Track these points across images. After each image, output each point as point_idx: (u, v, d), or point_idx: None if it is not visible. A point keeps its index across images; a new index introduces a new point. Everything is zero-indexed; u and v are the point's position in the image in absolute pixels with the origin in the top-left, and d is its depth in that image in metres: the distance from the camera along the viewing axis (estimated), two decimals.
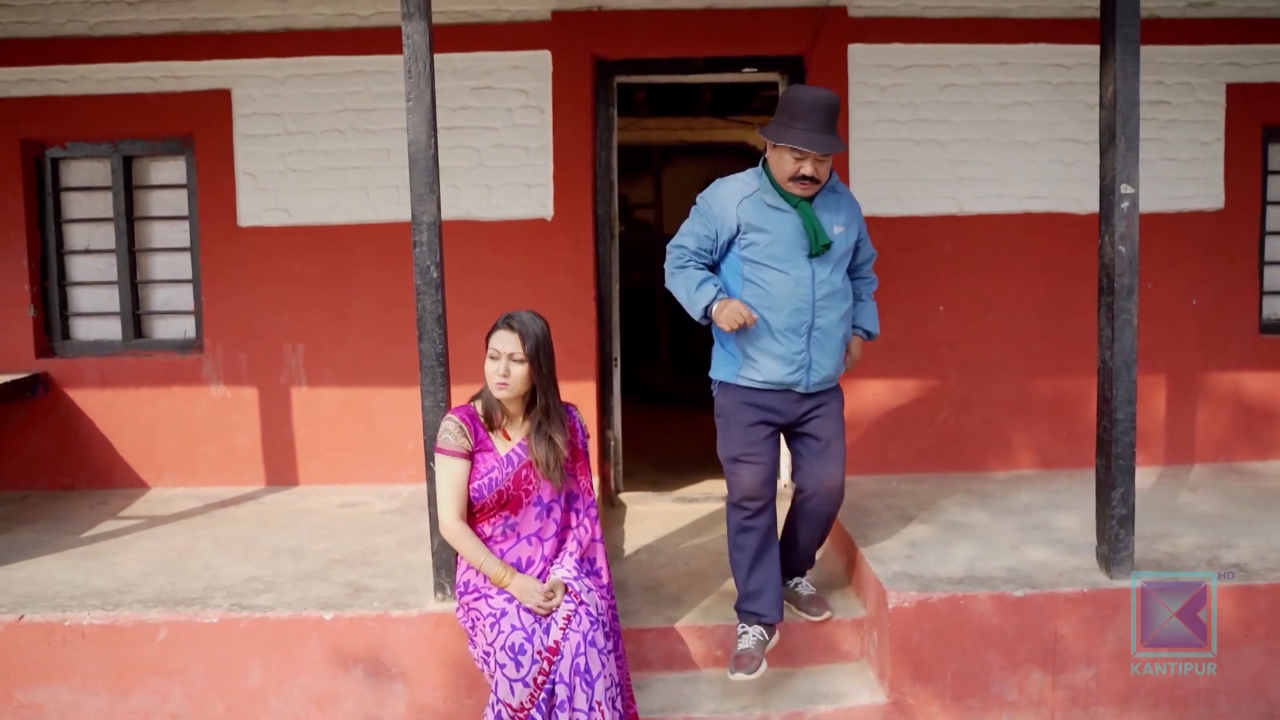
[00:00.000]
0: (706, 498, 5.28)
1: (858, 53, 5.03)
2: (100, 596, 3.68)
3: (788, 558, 3.86)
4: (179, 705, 3.51)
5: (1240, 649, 3.59)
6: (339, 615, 3.51)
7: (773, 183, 3.54)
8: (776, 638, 3.70)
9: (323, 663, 3.52)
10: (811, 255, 3.52)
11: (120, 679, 3.51)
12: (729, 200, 3.56)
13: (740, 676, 3.56)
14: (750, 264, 3.53)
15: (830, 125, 3.47)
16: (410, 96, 3.35)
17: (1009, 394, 5.21)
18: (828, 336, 3.59)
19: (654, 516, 5.04)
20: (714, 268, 3.63)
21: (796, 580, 3.95)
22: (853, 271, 3.79)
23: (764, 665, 3.59)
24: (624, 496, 5.34)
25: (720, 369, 3.70)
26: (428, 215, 3.41)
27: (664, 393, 8.57)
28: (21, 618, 3.52)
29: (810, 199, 3.55)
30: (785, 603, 3.80)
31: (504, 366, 3.19)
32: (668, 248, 3.64)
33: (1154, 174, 5.11)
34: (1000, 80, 5.10)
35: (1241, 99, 5.16)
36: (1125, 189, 3.48)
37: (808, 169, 3.44)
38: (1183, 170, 5.19)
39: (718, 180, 3.63)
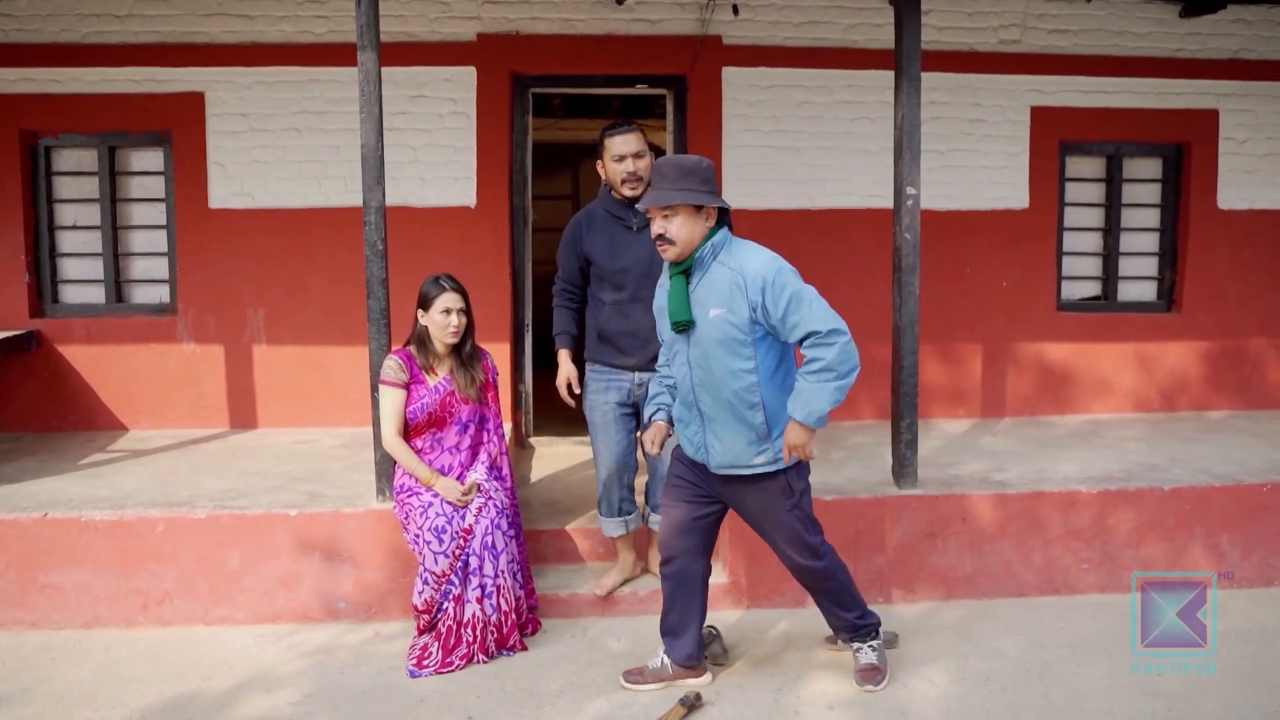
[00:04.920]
0: None
1: (730, 74, 6.03)
2: (106, 502, 4.54)
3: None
4: (172, 585, 4.39)
5: (997, 543, 4.68)
6: (302, 512, 4.43)
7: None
8: (705, 679, 3.75)
9: (288, 549, 4.42)
10: (676, 331, 3.41)
11: (125, 564, 4.38)
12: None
13: (620, 681, 3.77)
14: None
15: (672, 181, 3.26)
16: (363, 109, 4.24)
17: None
18: (718, 423, 3.39)
19: (556, 455, 6.04)
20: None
21: (857, 646, 3.85)
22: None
23: (650, 686, 3.70)
24: (533, 440, 6.29)
25: None
26: (375, 201, 4.30)
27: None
28: (46, 515, 4.36)
29: (686, 271, 3.34)
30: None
31: (456, 319, 4.16)
32: None
33: (972, 179, 6.25)
34: (849, 99, 6.14)
35: (1043, 119, 6.28)
36: (910, 190, 4.53)
37: (656, 227, 3.31)
38: (995, 176, 6.29)
39: None
